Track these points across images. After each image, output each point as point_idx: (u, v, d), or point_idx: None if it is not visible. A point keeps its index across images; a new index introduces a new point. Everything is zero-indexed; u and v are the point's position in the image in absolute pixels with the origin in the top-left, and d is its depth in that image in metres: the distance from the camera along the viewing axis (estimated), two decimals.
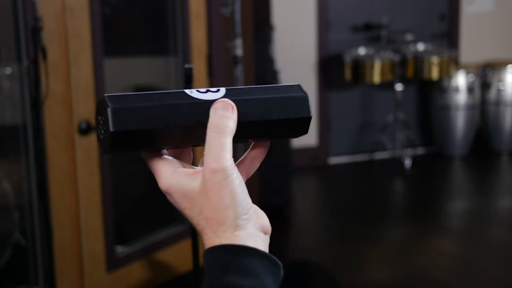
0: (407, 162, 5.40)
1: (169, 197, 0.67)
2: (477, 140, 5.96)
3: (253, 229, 0.64)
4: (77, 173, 2.81)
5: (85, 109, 2.80)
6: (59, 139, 2.72)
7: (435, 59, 5.43)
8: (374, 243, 3.96)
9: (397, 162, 5.55)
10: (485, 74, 5.90)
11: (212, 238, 0.63)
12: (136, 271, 3.16)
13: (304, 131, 0.70)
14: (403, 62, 5.54)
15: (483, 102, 5.93)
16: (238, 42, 3.08)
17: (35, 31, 2.31)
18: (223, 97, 0.66)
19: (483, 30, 6.13)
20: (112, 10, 3.06)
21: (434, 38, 5.99)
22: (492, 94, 5.87)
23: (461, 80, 5.66)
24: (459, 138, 5.80)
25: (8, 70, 2.66)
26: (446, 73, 5.50)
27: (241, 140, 0.67)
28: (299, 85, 0.71)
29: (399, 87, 5.50)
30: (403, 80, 5.60)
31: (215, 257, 0.62)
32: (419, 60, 5.49)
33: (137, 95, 0.64)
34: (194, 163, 0.71)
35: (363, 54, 5.38)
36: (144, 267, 3.19)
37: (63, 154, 2.75)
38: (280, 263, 0.64)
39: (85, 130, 2.79)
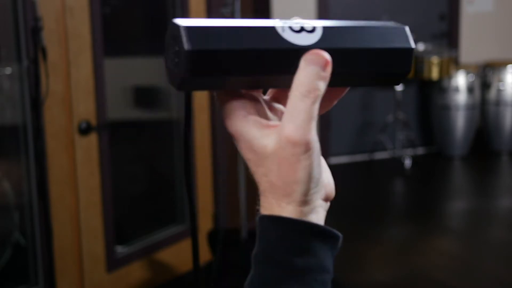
0: (407, 162, 5.40)
1: (234, 141, 0.59)
2: (477, 140, 5.96)
3: (318, 201, 0.59)
4: (77, 173, 2.81)
5: (85, 109, 2.80)
6: (59, 139, 2.72)
7: (435, 59, 5.43)
8: (374, 243, 3.96)
9: (397, 162, 5.55)
10: (485, 74, 5.90)
11: (272, 205, 0.58)
12: (136, 271, 3.16)
13: (398, 83, 0.63)
14: None
15: (483, 102, 5.93)
16: None
17: (35, 31, 2.31)
18: (318, 41, 0.57)
19: (483, 30, 6.13)
20: (112, 10, 3.06)
21: (434, 38, 5.99)
22: (492, 94, 5.87)
23: (461, 80, 5.66)
24: (459, 138, 5.80)
25: (8, 70, 2.66)
26: (446, 73, 5.50)
27: (331, 86, 0.59)
28: (406, 28, 0.62)
29: (399, 87, 5.50)
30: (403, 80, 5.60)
31: (273, 228, 0.57)
32: (419, 60, 5.49)
33: (219, 28, 0.55)
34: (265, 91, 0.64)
35: None
36: (144, 267, 3.19)
37: (63, 154, 2.75)
38: (339, 234, 0.60)
39: (85, 130, 2.79)
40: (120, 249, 3.09)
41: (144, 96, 3.37)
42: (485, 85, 5.91)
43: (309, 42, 0.57)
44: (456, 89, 5.67)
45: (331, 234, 0.59)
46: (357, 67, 0.59)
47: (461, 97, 5.68)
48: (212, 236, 3.16)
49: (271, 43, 0.56)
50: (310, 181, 0.57)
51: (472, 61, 6.07)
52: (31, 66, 2.47)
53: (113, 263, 3.02)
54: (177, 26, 0.54)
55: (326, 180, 0.62)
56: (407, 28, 0.62)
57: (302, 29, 0.57)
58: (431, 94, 5.93)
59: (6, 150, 2.82)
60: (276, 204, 0.57)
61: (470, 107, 5.72)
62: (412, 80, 5.93)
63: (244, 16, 3.11)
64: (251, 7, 3.69)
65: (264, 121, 0.59)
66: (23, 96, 2.64)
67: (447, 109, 5.74)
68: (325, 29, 0.58)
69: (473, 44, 6.11)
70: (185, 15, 3.21)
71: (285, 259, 0.57)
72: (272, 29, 0.57)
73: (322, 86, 0.55)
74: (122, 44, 3.28)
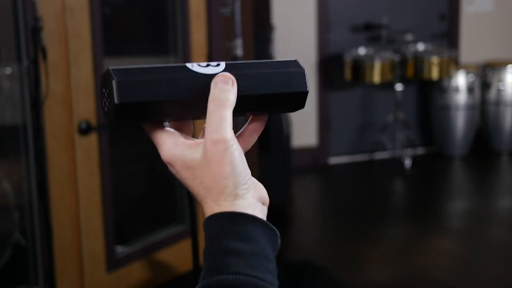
0: (407, 162, 5.40)
1: (170, 168, 0.68)
2: (477, 140, 5.96)
3: (252, 199, 0.66)
4: (77, 173, 2.81)
5: (85, 109, 2.80)
6: (59, 139, 2.72)
7: (435, 59, 5.43)
8: (374, 243, 3.96)
9: (397, 162, 5.55)
10: (485, 74, 5.90)
11: (212, 207, 0.65)
12: (136, 271, 3.16)
13: (301, 105, 0.73)
14: (403, 62, 5.54)
15: (483, 102, 5.93)
16: (238, 42, 3.08)
17: (35, 31, 2.31)
18: (223, 71, 0.68)
19: (483, 30, 6.13)
20: (112, 10, 3.06)
21: (434, 38, 5.99)
22: (492, 94, 5.87)
23: (461, 80, 5.66)
24: (459, 138, 5.80)
25: (8, 70, 2.66)
26: (446, 73, 5.50)
27: (240, 113, 0.69)
28: (295, 61, 0.73)
29: (399, 87, 5.50)
30: (403, 80, 5.60)
31: (215, 223, 0.64)
32: (419, 60, 5.49)
33: (141, 68, 0.66)
34: (194, 135, 0.73)
35: (363, 54, 5.38)
36: (144, 267, 3.19)
37: (63, 154, 2.75)
38: (277, 231, 0.66)
39: (85, 130, 2.79)
40: (120, 249, 3.09)
41: None
42: (485, 85, 5.91)
43: (215, 71, 0.68)
44: (456, 89, 5.67)
45: (269, 227, 0.66)
46: (258, 89, 0.69)
47: (461, 97, 5.68)
48: None
49: (183, 74, 0.67)
50: (237, 174, 0.65)
51: (472, 61, 6.07)
52: (31, 66, 2.47)
53: (113, 263, 3.02)
54: (110, 78, 0.65)
55: (259, 185, 0.70)
56: (297, 60, 0.73)
57: (208, 65, 0.69)
58: (431, 94, 5.93)
59: (6, 150, 2.82)
60: (215, 205, 0.65)
61: (470, 107, 5.72)
62: (412, 80, 5.93)
63: (244, 16, 3.11)
64: (251, 7, 3.69)
65: (191, 141, 0.69)
66: (23, 96, 2.64)
67: (447, 109, 5.74)
68: (228, 64, 0.70)
69: (473, 44, 6.11)
70: (185, 15, 3.21)
71: (231, 246, 0.62)
72: (184, 66, 0.68)
73: (231, 97, 0.66)
74: (122, 44, 3.28)
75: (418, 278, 3.45)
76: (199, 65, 0.68)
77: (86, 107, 2.80)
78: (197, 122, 0.74)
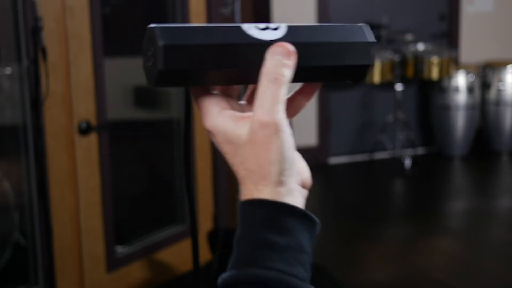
0: (407, 162, 5.40)
1: (211, 137, 0.64)
2: (477, 140, 5.96)
3: (293, 184, 0.63)
4: (77, 173, 2.81)
5: (85, 109, 2.80)
6: (59, 139, 2.72)
7: (435, 59, 5.43)
8: (374, 243, 3.96)
9: (397, 162, 5.55)
10: (485, 74, 5.90)
11: (251, 190, 0.61)
12: (136, 271, 3.16)
13: (362, 77, 0.67)
14: (403, 62, 5.53)
15: (483, 102, 5.93)
16: None
17: (35, 31, 2.31)
18: (283, 37, 0.62)
19: (483, 30, 6.13)
20: (112, 10, 3.06)
21: (434, 38, 5.99)
22: (492, 94, 5.87)
23: (461, 80, 5.66)
24: (459, 138, 5.80)
25: (8, 70, 2.66)
26: (446, 73, 5.50)
27: (293, 81, 0.63)
28: (364, 26, 0.67)
29: (399, 87, 5.50)
30: (403, 80, 5.60)
31: (252, 210, 0.61)
32: (419, 60, 5.49)
33: (190, 28, 0.60)
34: (240, 96, 0.68)
35: None
36: (144, 267, 3.19)
37: (63, 154, 2.75)
38: (317, 220, 0.64)
39: (85, 130, 2.79)
40: (120, 249, 3.09)
41: (144, 96, 3.37)
42: (485, 85, 5.91)
43: (273, 37, 0.61)
44: (456, 89, 5.67)
45: (309, 217, 0.63)
46: (319, 60, 0.64)
47: (461, 97, 5.68)
48: (212, 236, 3.15)
49: (238, 39, 0.61)
50: (283, 161, 0.61)
51: (472, 61, 6.07)
52: (31, 66, 2.47)
53: (113, 263, 3.02)
54: (151, 29, 0.61)
55: (301, 168, 0.65)
56: (365, 26, 0.67)
57: (267, 28, 0.62)
58: (431, 94, 5.93)
59: (6, 150, 2.82)
60: (254, 189, 0.61)
61: (470, 107, 5.72)
62: (412, 80, 5.93)
63: (244, 16, 3.11)
64: (251, 7, 3.69)
65: (238, 113, 0.63)
66: (23, 96, 2.64)
67: (447, 109, 5.74)
68: (289, 27, 0.63)
69: (473, 44, 6.11)
70: (185, 15, 3.21)
71: (266, 237, 0.59)
72: (239, 28, 0.61)
73: (287, 73, 0.60)
74: (122, 44, 3.28)
75: (418, 278, 3.45)
76: (256, 26, 0.61)
77: (86, 107, 2.80)
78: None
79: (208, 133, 0.63)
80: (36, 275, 2.74)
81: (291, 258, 0.60)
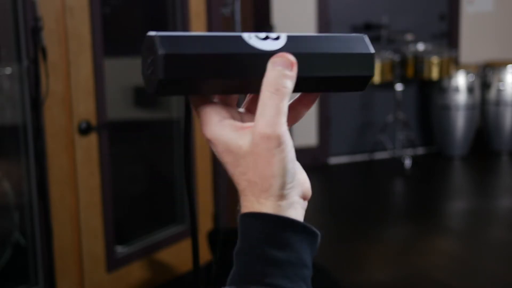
0: (407, 162, 5.40)
1: (211, 146, 0.63)
2: (477, 140, 5.96)
3: (295, 197, 0.62)
4: (77, 173, 2.81)
5: (85, 109, 2.80)
6: (59, 139, 2.72)
7: (435, 59, 5.43)
8: (374, 243, 3.96)
9: (397, 162, 5.55)
10: (485, 74, 5.90)
11: (252, 202, 0.61)
12: (136, 271, 3.16)
13: (362, 88, 0.67)
14: (403, 62, 5.54)
15: (483, 102, 5.94)
16: None
17: (35, 31, 2.31)
18: (283, 47, 0.61)
19: (483, 30, 6.13)
20: (112, 10, 3.06)
21: (434, 38, 5.99)
22: (492, 94, 5.87)
23: (461, 80, 5.66)
24: (459, 138, 5.80)
25: (8, 70, 2.66)
26: (446, 73, 5.50)
27: (294, 92, 0.62)
28: (364, 37, 0.67)
29: (399, 87, 5.50)
30: (403, 80, 5.60)
31: (253, 225, 0.60)
32: (419, 60, 5.49)
33: (190, 37, 0.59)
34: (239, 104, 0.67)
35: None
36: (144, 267, 3.19)
37: (63, 154, 2.75)
38: (318, 232, 0.63)
39: (85, 130, 2.79)
40: (120, 249, 3.09)
41: (144, 96, 3.37)
42: (485, 85, 5.91)
43: (274, 47, 0.61)
44: (456, 89, 5.67)
45: (310, 231, 0.62)
46: (320, 71, 0.63)
47: (461, 97, 5.68)
48: (212, 236, 3.15)
49: (238, 49, 0.60)
50: (285, 174, 0.60)
51: (472, 61, 6.07)
52: (31, 66, 2.47)
53: (113, 263, 3.02)
54: (151, 37, 0.60)
55: (302, 179, 0.64)
56: (365, 37, 0.67)
57: (267, 37, 0.61)
58: (431, 94, 5.93)
59: (6, 150, 2.82)
60: (255, 201, 0.60)
61: (470, 107, 5.72)
62: (412, 80, 5.93)
63: (244, 16, 3.11)
64: (251, 7, 3.69)
65: (238, 123, 0.62)
66: (23, 96, 2.64)
67: (447, 109, 5.74)
68: (289, 37, 0.62)
69: (473, 44, 6.11)
70: (185, 15, 3.21)
71: (267, 252, 0.59)
72: (239, 37, 0.61)
73: (289, 84, 0.59)
74: (122, 44, 3.28)
75: (418, 278, 3.45)
76: (256, 36, 0.61)
77: (86, 107, 2.80)
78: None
79: (208, 142, 0.63)
80: (36, 275, 2.74)
81: (292, 274, 0.59)
